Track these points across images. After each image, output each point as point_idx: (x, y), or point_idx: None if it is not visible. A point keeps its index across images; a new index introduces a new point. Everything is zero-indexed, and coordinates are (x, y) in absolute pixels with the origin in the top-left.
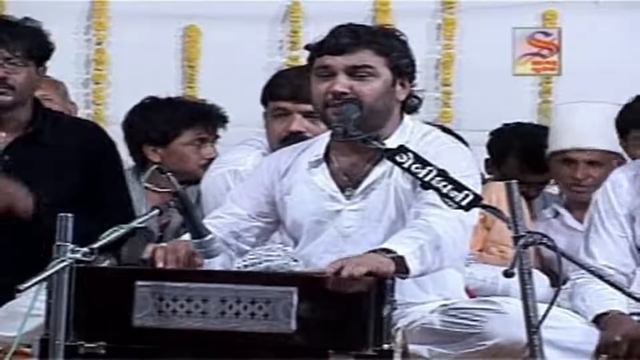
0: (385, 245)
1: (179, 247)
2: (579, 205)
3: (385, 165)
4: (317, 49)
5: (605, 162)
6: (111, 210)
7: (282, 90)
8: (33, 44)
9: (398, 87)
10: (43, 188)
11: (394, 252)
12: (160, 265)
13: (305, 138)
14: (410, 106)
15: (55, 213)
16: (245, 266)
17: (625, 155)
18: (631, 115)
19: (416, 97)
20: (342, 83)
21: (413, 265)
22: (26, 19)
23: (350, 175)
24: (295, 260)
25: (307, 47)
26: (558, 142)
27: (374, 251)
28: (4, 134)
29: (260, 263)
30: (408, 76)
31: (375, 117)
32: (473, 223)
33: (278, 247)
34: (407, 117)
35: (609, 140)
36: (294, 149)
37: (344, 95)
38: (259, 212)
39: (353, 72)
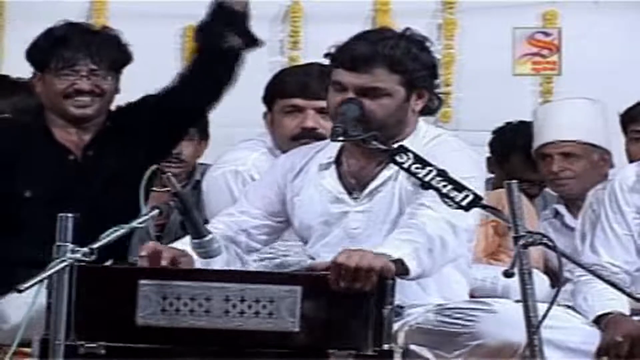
0: (382, 251)
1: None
2: (574, 202)
3: (393, 168)
4: (334, 59)
5: (582, 154)
6: None
7: (293, 87)
8: (117, 54)
9: (413, 99)
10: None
11: (391, 257)
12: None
13: (318, 134)
14: (429, 108)
15: None
16: (262, 259)
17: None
18: (631, 110)
19: (438, 99)
20: (352, 97)
21: (412, 266)
22: (105, 27)
23: (358, 178)
24: (312, 258)
25: (326, 56)
26: (536, 140)
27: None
28: (86, 137)
29: (276, 258)
30: (426, 85)
31: (387, 131)
32: (466, 226)
33: (296, 245)
34: (421, 121)
35: (586, 133)
36: (309, 149)
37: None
38: (271, 211)
39: (364, 92)
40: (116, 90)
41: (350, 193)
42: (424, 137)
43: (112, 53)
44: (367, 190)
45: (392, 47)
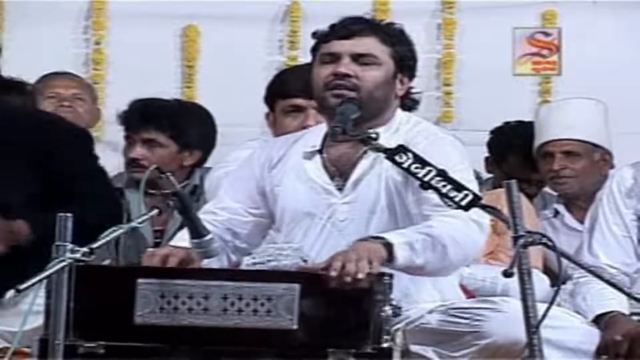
0: (376, 234)
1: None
2: (573, 201)
3: (372, 155)
4: (325, 35)
5: (583, 153)
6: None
7: (294, 87)
8: None
9: (398, 80)
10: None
11: (383, 239)
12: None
13: None
14: (407, 105)
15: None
16: (254, 264)
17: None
18: None
19: (412, 98)
20: (346, 66)
21: (400, 253)
22: None
23: (338, 165)
24: (305, 260)
25: (314, 34)
26: (537, 138)
27: (364, 239)
28: None
29: (270, 261)
30: (408, 72)
31: (373, 106)
32: (487, 221)
33: (289, 247)
34: (399, 110)
35: (588, 132)
36: (286, 140)
37: (347, 77)
38: (251, 205)
39: (358, 58)
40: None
41: (333, 180)
42: (400, 123)
43: None
44: (350, 181)
45: (382, 24)
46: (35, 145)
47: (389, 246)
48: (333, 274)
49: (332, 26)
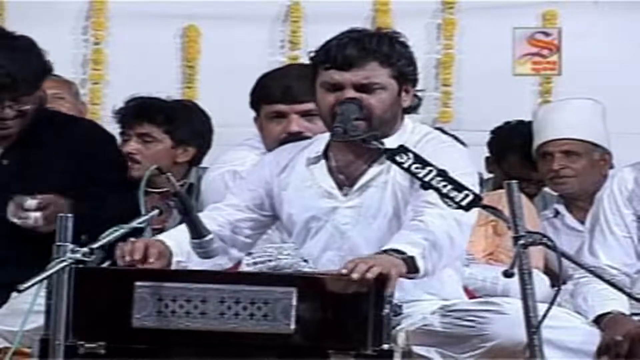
0: (394, 246)
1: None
2: (573, 201)
3: (383, 164)
4: (322, 62)
5: (583, 152)
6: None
7: (274, 92)
8: (37, 69)
9: (403, 94)
10: (35, 185)
11: (405, 253)
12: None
13: (305, 138)
14: (410, 107)
15: None
16: (255, 263)
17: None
18: None
19: (416, 96)
20: (351, 96)
21: (422, 265)
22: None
23: (347, 173)
24: (305, 261)
25: (311, 59)
26: (536, 139)
27: (385, 252)
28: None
29: (269, 261)
30: (412, 82)
31: (384, 127)
32: (471, 222)
33: (289, 247)
34: (406, 118)
35: (587, 132)
36: (295, 146)
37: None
38: (257, 204)
39: (360, 87)
40: (41, 100)
41: (340, 188)
42: (412, 133)
43: (32, 70)
44: (357, 186)
45: (378, 42)
46: (67, 145)
47: (410, 259)
48: (344, 271)
49: (328, 51)
